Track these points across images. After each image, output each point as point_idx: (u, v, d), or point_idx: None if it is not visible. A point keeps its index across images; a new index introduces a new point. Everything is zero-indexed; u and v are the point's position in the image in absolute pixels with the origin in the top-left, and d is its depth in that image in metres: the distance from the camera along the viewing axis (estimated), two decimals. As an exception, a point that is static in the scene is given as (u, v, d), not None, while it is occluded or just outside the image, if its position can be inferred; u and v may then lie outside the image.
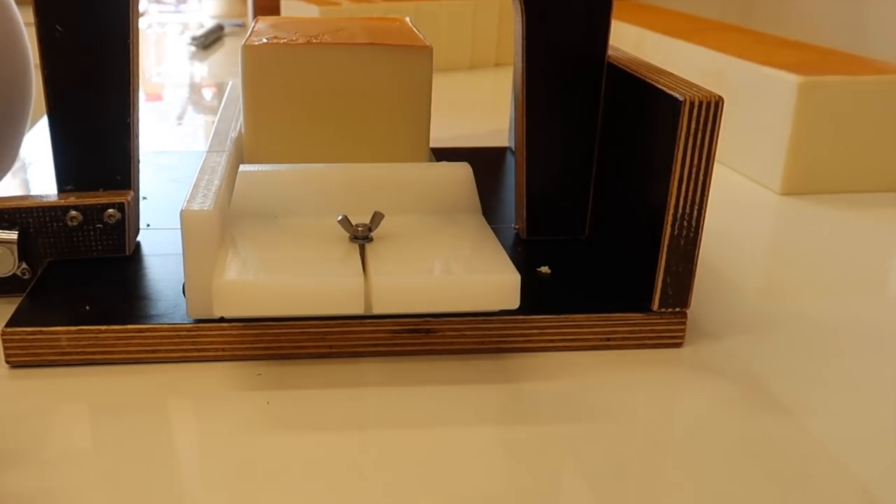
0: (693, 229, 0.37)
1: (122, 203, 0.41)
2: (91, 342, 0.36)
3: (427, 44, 0.46)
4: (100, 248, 0.41)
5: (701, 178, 0.36)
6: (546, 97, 0.43)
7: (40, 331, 0.36)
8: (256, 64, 0.45)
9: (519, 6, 0.42)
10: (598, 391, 0.35)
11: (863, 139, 0.60)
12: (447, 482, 0.30)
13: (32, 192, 0.57)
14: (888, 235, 0.54)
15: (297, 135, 0.46)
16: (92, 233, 0.41)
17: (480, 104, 0.87)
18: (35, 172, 0.61)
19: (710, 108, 0.35)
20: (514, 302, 0.35)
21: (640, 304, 0.39)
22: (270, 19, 0.52)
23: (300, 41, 0.45)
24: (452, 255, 0.38)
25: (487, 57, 1.02)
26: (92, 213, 0.41)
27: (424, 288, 0.35)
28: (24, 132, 0.58)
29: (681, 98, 0.35)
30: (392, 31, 0.50)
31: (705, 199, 0.36)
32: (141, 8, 1.15)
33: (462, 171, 0.42)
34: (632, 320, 0.38)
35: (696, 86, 0.37)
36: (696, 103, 0.35)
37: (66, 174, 0.42)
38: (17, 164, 0.61)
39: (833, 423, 0.34)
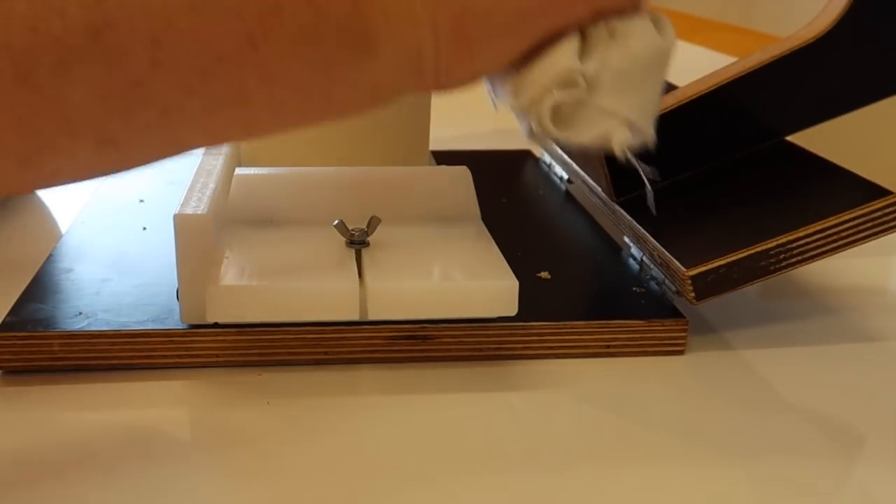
0: (694, 235, 0.37)
1: None
2: (84, 347, 0.35)
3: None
4: None
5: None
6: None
7: (32, 336, 0.35)
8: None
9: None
10: (598, 399, 0.35)
11: (863, 139, 0.59)
12: (444, 491, 0.29)
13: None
14: (888, 235, 0.54)
15: (293, 137, 0.46)
16: None
17: (480, 104, 0.87)
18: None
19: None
20: (512, 308, 0.35)
21: (641, 310, 0.38)
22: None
23: (297, 42, 0.45)
24: (450, 260, 0.37)
25: (487, 56, 1.02)
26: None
27: (421, 294, 0.35)
28: None
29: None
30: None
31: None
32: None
33: (460, 175, 0.42)
34: (632, 327, 0.38)
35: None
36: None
37: None
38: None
39: (834, 424, 0.34)
